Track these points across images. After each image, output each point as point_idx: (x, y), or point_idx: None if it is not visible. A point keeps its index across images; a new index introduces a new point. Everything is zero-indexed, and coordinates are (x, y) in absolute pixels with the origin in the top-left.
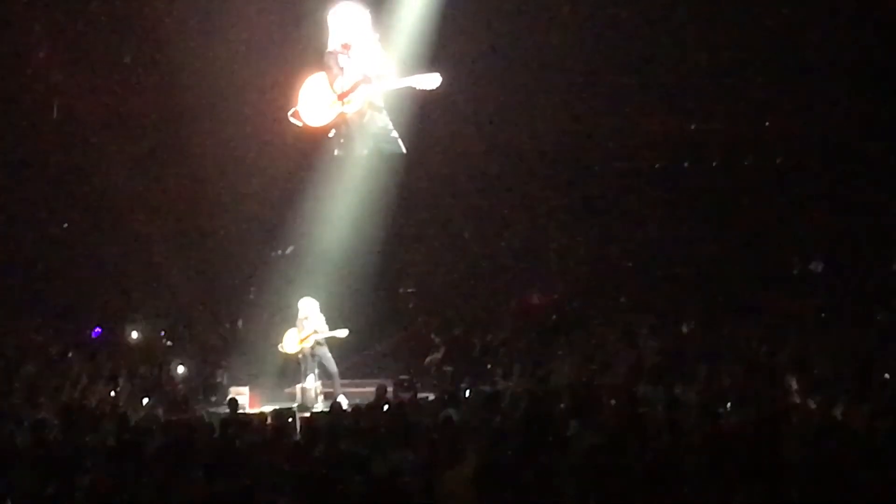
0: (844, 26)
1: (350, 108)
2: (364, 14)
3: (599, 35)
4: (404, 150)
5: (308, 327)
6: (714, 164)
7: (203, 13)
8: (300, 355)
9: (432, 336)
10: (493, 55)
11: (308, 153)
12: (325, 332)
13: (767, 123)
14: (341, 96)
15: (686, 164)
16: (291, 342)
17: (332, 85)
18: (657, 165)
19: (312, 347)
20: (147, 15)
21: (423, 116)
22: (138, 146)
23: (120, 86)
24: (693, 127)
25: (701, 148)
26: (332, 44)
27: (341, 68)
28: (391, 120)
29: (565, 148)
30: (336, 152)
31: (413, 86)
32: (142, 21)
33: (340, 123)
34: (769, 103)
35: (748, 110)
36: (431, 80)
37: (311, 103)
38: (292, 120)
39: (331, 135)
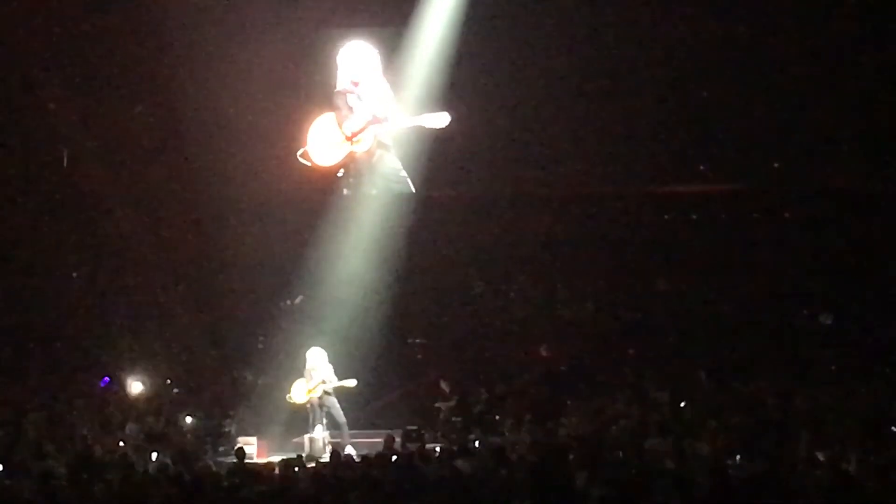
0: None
1: (359, 148)
2: (373, 53)
3: (614, 81)
4: (413, 190)
5: (316, 377)
6: (723, 217)
7: (210, 53)
8: (308, 405)
9: (441, 386)
10: (504, 95)
11: (317, 200)
12: (333, 382)
13: (776, 174)
14: (350, 136)
15: (695, 217)
16: (300, 393)
17: (341, 125)
18: (666, 217)
19: (321, 398)
20: (154, 57)
21: (431, 163)
22: (145, 194)
23: (127, 132)
24: (703, 180)
25: (710, 201)
26: (341, 83)
27: (350, 108)
28: (400, 160)
29: (576, 198)
30: (345, 192)
31: (422, 125)
32: (149, 64)
33: (349, 163)
34: (779, 155)
35: (758, 164)
36: (440, 119)
37: (321, 143)
38: (301, 160)
39: (340, 174)
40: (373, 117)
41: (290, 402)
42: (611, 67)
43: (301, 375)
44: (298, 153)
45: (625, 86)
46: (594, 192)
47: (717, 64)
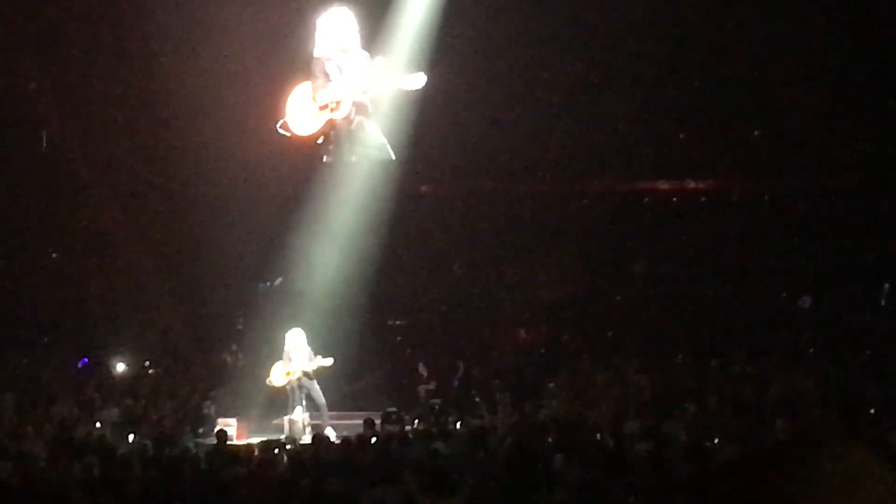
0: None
1: (338, 115)
2: (352, 19)
3: (596, 74)
4: (393, 157)
5: (295, 359)
6: (702, 199)
7: (188, 26)
8: (288, 387)
9: (419, 370)
10: (487, 73)
11: (296, 176)
12: (311, 364)
13: (756, 165)
14: (325, 105)
15: (675, 200)
16: (278, 375)
17: (318, 93)
18: (646, 200)
19: (300, 379)
20: (130, 33)
21: (414, 154)
22: (122, 173)
23: (103, 110)
24: (684, 162)
25: (691, 184)
26: (319, 51)
27: (327, 75)
28: (380, 127)
29: (556, 180)
30: (325, 159)
31: (399, 87)
32: (126, 40)
33: (329, 131)
34: (757, 139)
35: (738, 148)
36: (416, 80)
37: (299, 112)
38: (281, 131)
39: (319, 141)
40: (351, 83)
41: (269, 385)
42: (594, 59)
43: (280, 357)
44: (278, 124)
45: (607, 79)
46: (575, 180)
47: (699, 58)
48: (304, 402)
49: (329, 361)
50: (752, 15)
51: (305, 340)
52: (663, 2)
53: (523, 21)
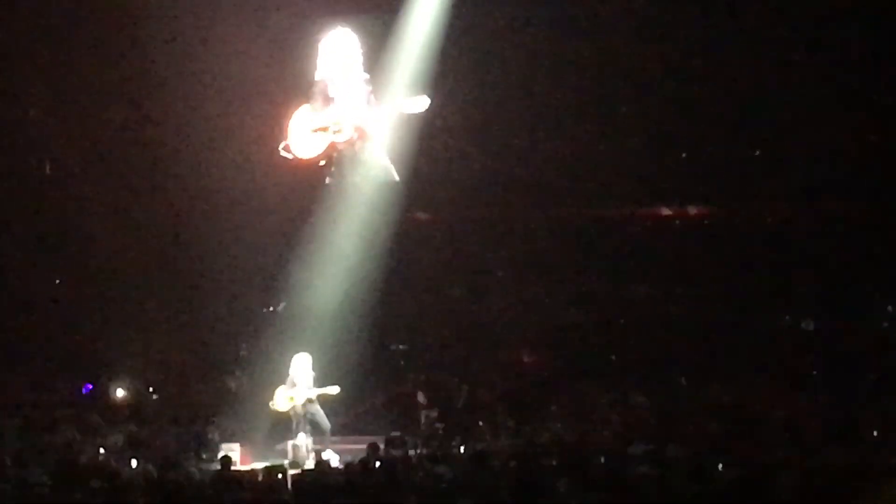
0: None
1: (340, 138)
2: (355, 42)
3: (592, 79)
4: (397, 179)
5: (300, 385)
6: (704, 221)
7: (189, 46)
8: (291, 412)
9: (419, 397)
10: (482, 92)
11: (299, 200)
12: (316, 390)
13: (752, 187)
14: (329, 126)
15: (677, 222)
16: (282, 400)
17: (319, 115)
18: (649, 224)
19: (304, 405)
20: (131, 51)
21: (416, 169)
22: (124, 196)
23: (104, 132)
24: (683, 184)
25: (693, 207)
26: (321, 73)
27: (329, 98)
28: (383, 149)
29: (558, 204)
30: (327, 181)
31: (402, 110)
32: (126, 59)
33: (331, 154)
34: (756, 159)
35: (738, 170)
36: (419, 104)
37: (300, 135)
38: (283, 153)
39: (321, 164)
40: (353, 106)
41: (272, 410)
42: (589, 85)
43: (283, 382)
44: (280, 146)
45: (604, 104)
46: (578, 205)
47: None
48: (308, 428)
49: (335, 390)
50: (747, 39)
51: (311, 366)
52: (661, 30)
53: (522, 44)
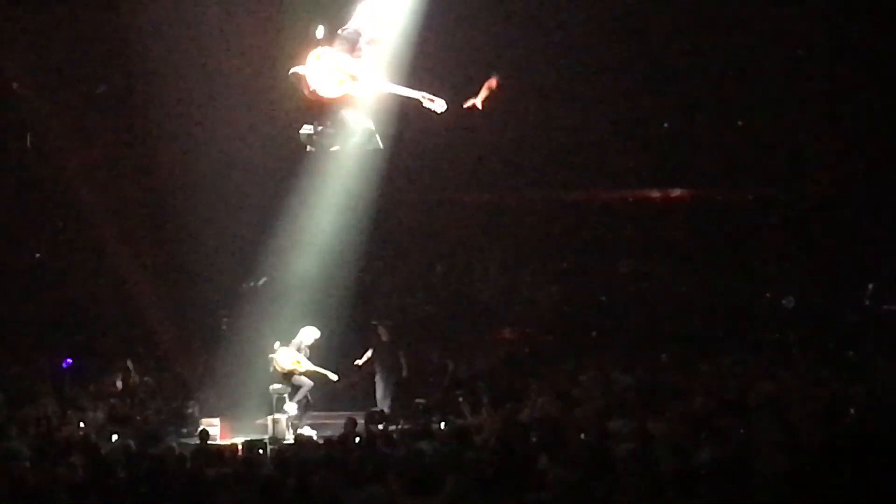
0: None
1: (359, 93)
2: (391, 11)
3: (582, 85)
4: (381, 146)
5: (304, 354)
6: (686, 200)
7: (172, 13)
8: (285, 374)
9: (378, 332)
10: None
11: (281, 173)
12: (319, 367)
13: (740, 169)
14: (358, 76)
15: (658, 199)
16: (286, 359)
17: (350, 61)
18: (630, 199)
19: (302, 374)
20: (112, 27)
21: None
22: (104, 171)
23: (90, 114)
24: (665, 164)
25: (672, 184)
26: (355, 24)
27: (359, 48)
28: (369, 115)
29: (538, 181)
30: (308, 148)
31: (419, 99)
32: (113, 41)
33: (326, 111)
34: (740, 143)
35: (722, 148)
36: (439, 105)
37: (324, 72)
38: (293, 80)
39: (309, 129)
40: (377, 69)
41: (274, 363)
42: (573, 68)
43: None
44: (290, 70)
45: (587, 88)
46: (557, 177)
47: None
48: (295, 398)
49: (334, 377)
50: (740, 24)
51: (316, 341)
52: (646, 15)
53: (509, 30)
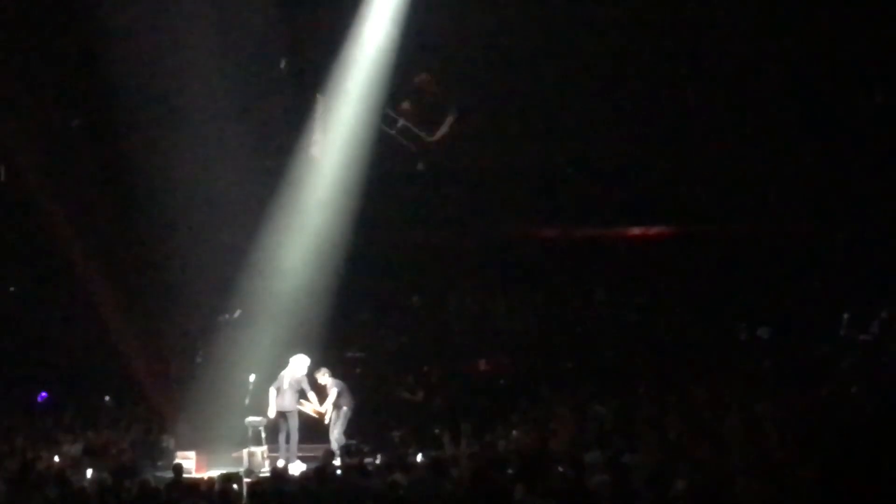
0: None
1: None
2: None
3: (553, 95)
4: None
5: (286, 387)
6: (662, 232)
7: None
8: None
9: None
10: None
11: (259, 204)
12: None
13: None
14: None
15: (635, 232)
16: (310, 408)
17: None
18: (606, 233)
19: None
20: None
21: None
22: (82, 199)
23: (66, 145)
24: (642, 197)
25: (649, 217)
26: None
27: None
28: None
29: (517, 216)
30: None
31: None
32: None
33: None
34: (715, 178)
35: (697, 184)
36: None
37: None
38: (392, 113)
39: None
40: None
41: (315, 414)
42: (549, 103)
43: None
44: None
45: (561, 124)
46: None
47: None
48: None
49: (323, 410)
50: (712, 57)
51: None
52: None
53: (483, 61)
